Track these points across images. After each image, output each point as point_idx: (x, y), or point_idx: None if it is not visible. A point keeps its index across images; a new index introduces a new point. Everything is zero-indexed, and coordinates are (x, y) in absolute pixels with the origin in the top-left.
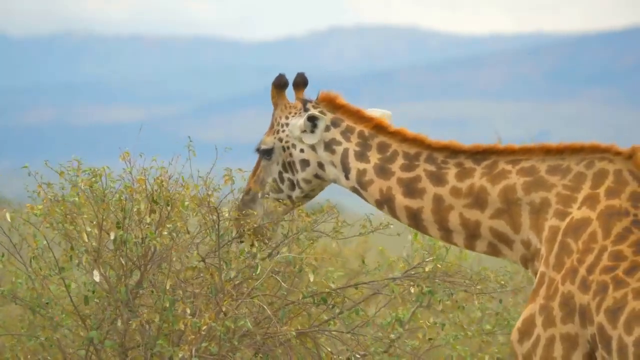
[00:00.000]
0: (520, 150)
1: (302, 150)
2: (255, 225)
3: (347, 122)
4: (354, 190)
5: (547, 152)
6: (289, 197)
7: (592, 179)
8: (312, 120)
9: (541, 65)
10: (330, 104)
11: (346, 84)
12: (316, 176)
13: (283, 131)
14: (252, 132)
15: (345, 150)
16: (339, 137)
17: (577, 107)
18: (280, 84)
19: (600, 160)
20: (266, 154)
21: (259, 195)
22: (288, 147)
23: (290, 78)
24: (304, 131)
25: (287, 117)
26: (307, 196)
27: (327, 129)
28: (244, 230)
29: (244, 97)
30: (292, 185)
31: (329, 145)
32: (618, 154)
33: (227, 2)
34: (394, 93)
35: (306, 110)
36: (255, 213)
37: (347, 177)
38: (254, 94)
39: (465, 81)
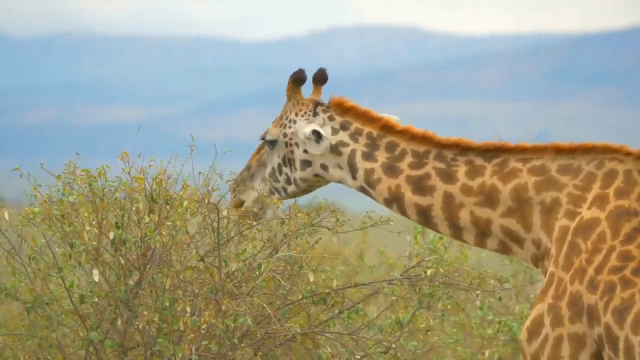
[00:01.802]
0: (532, 148)
1: (305, 151)
2: (242, 207)
3: (355, 125)
4: (362, 189)
5: (559, 151)
6: (284, 189)
7: (602, 179)
8: (316, 134)
9: (541, 65)
10: (340, 107)
11: (346, 84)
12: (316, 176)
13: (289, 127)
14: (252, 132)
15: (353, 152)
16: (346, 139)
17: (577, 107)
18: (298, 79)
19: (610, 160)
20: (270, 143)
21: (258, 176)
22: (291, 144)
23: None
24: (308, 138)
25: (296, 114)
26: (304, 191)
27: (335, 132)
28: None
29: (244, 97)
30: (288, 180)
31: (335, 148)
32: (628, 154)
33: (227, 2)
34: (394, 93)
35: (315, 114)
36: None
37: (354, 177)
38: (254, 94)
39: (465, 81)
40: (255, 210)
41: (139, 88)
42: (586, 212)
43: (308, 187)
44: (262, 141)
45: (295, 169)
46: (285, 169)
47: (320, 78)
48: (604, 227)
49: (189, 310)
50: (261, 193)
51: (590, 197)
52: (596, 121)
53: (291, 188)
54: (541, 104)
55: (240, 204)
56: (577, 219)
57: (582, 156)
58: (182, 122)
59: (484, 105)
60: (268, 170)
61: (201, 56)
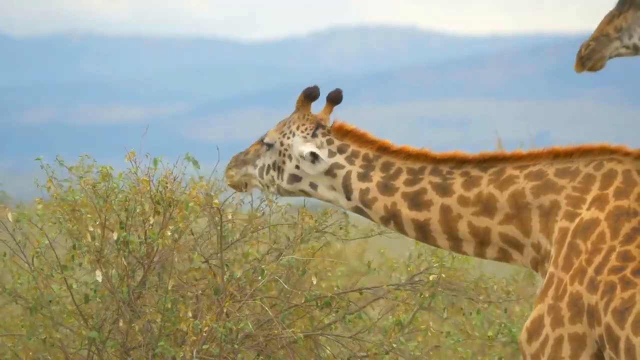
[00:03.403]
0: (528, 155)
1: (297, 167)
2: (235, 180)
3: (352, 147)
4: (357, 209)
5: (556, 155)
6: (267, 187)
7: (601, 180)
8: (314, 156)
9: (542, 65)
10: (340, 131)
11: (346, 83)
12: (301, 191)
13: (288, 138)
14: (252, 132)
15: (348, 173)
16: (342, 162)
17: (577, 106)
18: (310, 95)
19: (609, 161)
20: (267, 146)
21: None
22: (284, 155)
23: (294, 79)
24: (304, 158)
25: (298, 128)
26: (286, 194)
27: (332, 155)
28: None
29: (244, 97)
30: (272, 182)
31: (330, 171)
32: (627, 154)
33: (228, 2)
34: (394, 93)
35: (314, 135)
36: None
37: (348, 198)
38: (254, 94)
39: (466, 81)
40: (243, 185)
41: (139, 88)
42: (585, 213)
43: (289, 195)
44: (260, 142)
45: (282, 180)
46: (273, 173)
47: (335, 98)
48: (603, 228)
49: (190, 314)
50: (245, 175)
51: (589, 198)
52: (597, 121)
53: (272, 189)
54: (542, 103)
55: (229, 177)
56: (576, 220)
57: (579, 158)
58: (182, 121)
59: (485, 105)
60: (260, 164)
61: (201, 56)
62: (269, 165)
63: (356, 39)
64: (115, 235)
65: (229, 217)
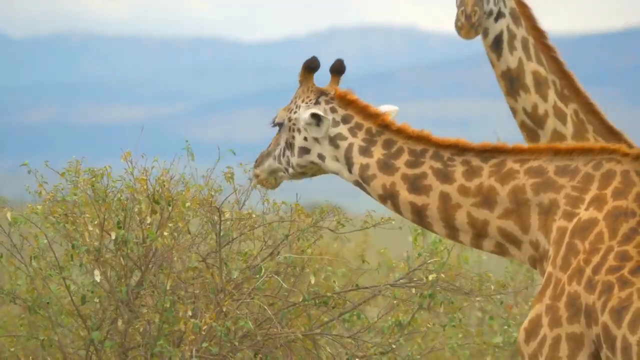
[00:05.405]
0: (529, 150)
1: (305, 138)
2: (260, 177)
3: (356, 119)
4: (357, 184)
5: (556, 152)
6: (286, 170)
7: (600, 180)
8: (316, 117)
9: None
10: (343, 100)
11: (346, 83)
12: (313, 163)
13: (295, 112)
14: (252, 132)
15: (350, 145)
16: (345, 133)
17: None
18: (310, 66)
19: (608, 161)
20: (279, 126)
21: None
22: (293, 130)
23: (294, 79)
24: (309, 123)
25: (303, 101)
26: (303, 174)
27: (335, 124)
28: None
29: (244, 97)
30: (289, 163)
31: (333, 140)
32: (626, 155)
33: (228, 2)
34: (394, 93)
35: (317, 102)
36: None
37: (350, 171)
38: (254, 94)
39: (466, 81)
40: (272, 181)
41: (139, 88)
42: (584, 213)
43: (306, 172)
44: (271, 124)
45: (294, 155)
46: (287, 152)
47: (337, 69)
48: (601, 228)
49: (190, 313)
50: (270, 169)
51: (587, 198)
52: None
53: (290, 170)
54: None
55: (256, 176)
56: (574, 220)
57: (579, 157)
58: (182, 122)
59: (484, 105)
60: (278, 151)
61: (201, 56)
62: (284, 147)
63: (356, 39)
64: (113, 235)
65: (227, 215)
